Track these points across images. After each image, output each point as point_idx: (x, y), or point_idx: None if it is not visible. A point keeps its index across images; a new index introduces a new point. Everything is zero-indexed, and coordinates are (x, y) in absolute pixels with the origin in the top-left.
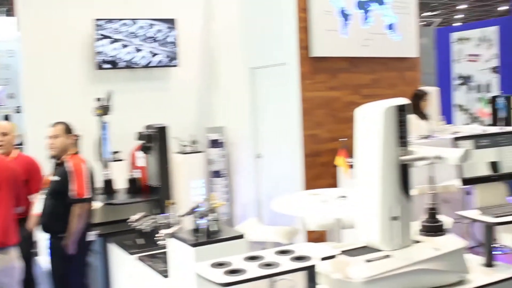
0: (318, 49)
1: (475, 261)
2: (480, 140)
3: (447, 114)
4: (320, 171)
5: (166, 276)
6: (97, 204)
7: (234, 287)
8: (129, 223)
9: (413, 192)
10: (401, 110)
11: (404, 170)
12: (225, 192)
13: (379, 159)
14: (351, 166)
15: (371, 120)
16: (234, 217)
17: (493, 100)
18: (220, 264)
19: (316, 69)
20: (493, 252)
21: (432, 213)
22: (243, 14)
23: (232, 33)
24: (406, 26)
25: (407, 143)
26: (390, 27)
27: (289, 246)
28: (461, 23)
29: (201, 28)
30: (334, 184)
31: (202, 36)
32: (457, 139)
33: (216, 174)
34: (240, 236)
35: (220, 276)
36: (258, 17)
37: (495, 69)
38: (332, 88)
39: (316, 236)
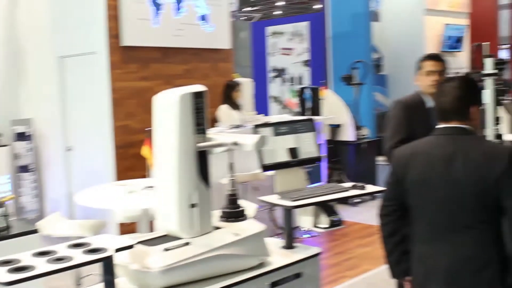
0: (129, 38)
1: (276, 244)
2: (279, 127)
3: (263, 105)
4: (133, 162)
5: None
6: None
7: (22, 285)
8: None
9: (223, 180)
10: (198, 97)
11: (202, 157)
12: (34, 188)
13: (175, 146)
14: None
15: (168, 107)
16: (45, 213)
17: (301, 91)
18: (6, 262)
19: (127, 58)
20: (303, 236)
21: (233, 199)
22: (51, 0)
23: (40, 19)
24: (218, 18)
25: (204, 130)
26: (203, 18)
27: (84, 239)
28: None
29: (5, 14)
30: (147, 175)
31: (6, 22)
32: (257, 126)
33: (23, 169)
34: (32, 232)
35: (3, 274)
36: (67, 3)
37: (306, 62)
38: (144, 78)
39: (129, 229)
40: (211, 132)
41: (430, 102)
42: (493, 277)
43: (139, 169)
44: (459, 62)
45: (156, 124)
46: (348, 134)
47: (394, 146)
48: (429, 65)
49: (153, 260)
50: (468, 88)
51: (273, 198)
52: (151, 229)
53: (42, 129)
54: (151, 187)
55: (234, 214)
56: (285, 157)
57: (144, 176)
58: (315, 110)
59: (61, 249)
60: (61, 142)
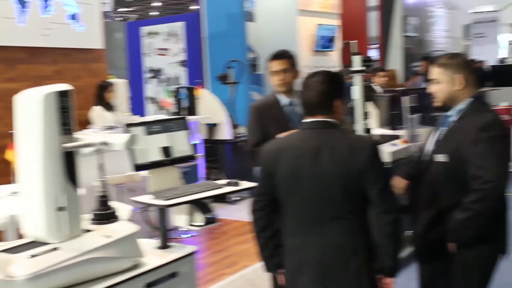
0: None
1: (151, 244)
2: (151, 126)
3: (139, 106)
4: (0, 168)
5: None
6: None
7: None
8: None
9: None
10: (63, 96)
11: (68, 158)
12: None
13: (40, 148)
14: None
15: (31, 107)
16: None
17: (177, 91)
18: None
19: None
20: (182, 236)
21: (103, 201)
22: None
23: None
24: (90, 17)
25: (71, 130)
26: (73, 17)
27: None
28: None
29: None
30: (13, 181)
31: None
32: (129, 125)
33: None
34: None
35: None
36: None
37: (182, 63)
38: (10, 79)
39: None
40: (79, 133)
41: (284, 100)
42: (360, 266)
43: (6, 174)
44: (332, 61)
45: (19, 125)
46: (225, 133)
47: (251, 149)
48: (272, 65)
49: (17, 268)
50: (331, 83)
51: (147, 198)
52: (20, 237)
53: None
54: (17, 192)
55: (105, 216)
56: (158, 156)
57: (10, 182)
58: (191, 110)
59: None
60: None
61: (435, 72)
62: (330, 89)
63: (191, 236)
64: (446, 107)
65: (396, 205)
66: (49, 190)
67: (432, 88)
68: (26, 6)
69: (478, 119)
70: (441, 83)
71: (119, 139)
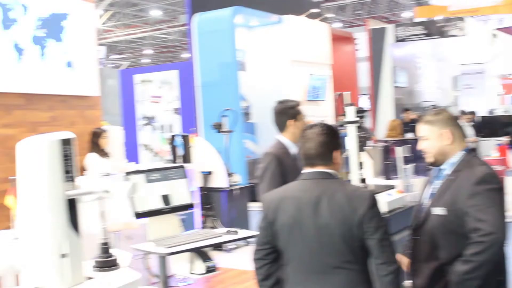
0: None
1: None
2: (151, 174)
3: (133, 153)
4: None
5: None
6: None
7: None
8: None
9: (95, 229)
10: (66, 144)
11: (72, 206)
12: None
13: (44, 195)
14: None
15: (34, 154)
16: None
17: (172, 139)
18: None
19: None
20: (179, 284)
21: (105, 248)
22: None
23: None
24: (86, 64)
25: (73, 178)
26: (69, 64)
27: None
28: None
29: None
30: (12, 226)
31: None
32: (128, 173)
33: None
34: None
35: None
36: None
37: (176, 110)
38: (7, 125)
39: None
40: (81, 180)
41: (293, 149)
42: None
43: (3, 220)
44: (323, 111)
45: (22, 172)
46: (220, 181)
47: None
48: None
49: None
50: (330, 134)
51: (148, 246)
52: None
53: None
54: (17, 238)
55: (106, 263)
56: (157, 204)
57: (9, 227)
58: (186, 157)
59: None
60: None
61: (423, 129)
62: (329, 140)
63: (188, 284)
64: (438, 162)
65: (395, 255)
66: (53, 237)
67: (422, 145)
68: (23, 53)
69: (473, 173)
70: (430, 140)
71: (121, 187)
